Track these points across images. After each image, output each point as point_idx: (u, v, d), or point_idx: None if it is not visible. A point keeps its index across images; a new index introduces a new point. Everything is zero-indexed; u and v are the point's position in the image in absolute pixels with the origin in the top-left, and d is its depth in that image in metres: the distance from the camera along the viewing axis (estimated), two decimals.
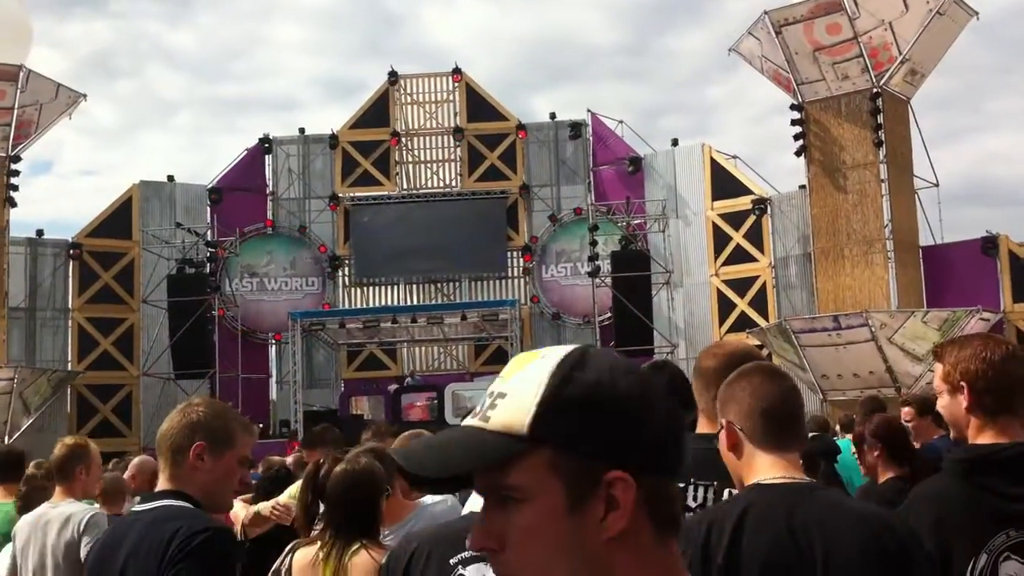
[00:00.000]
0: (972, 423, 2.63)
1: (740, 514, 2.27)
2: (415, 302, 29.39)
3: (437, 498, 4.59)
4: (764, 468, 2.35)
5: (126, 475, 7.56)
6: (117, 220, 28.08)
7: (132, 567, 2.74)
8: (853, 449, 5.92)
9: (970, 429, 2.64)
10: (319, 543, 3.68)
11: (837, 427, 10.86)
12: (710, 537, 2.25)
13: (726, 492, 2.79)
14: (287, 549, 3.82)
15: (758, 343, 21.62)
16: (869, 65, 22.67)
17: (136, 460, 8.16)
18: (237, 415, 3.08)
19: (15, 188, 24.67)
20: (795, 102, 23.74)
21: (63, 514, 4.99)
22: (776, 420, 2.37)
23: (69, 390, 26.37)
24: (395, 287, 30.12)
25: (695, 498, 2.85)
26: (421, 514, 4.27)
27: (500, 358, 27.13)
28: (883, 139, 22.73)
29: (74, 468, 5.18)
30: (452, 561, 2.26)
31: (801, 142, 23.70)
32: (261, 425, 26.26)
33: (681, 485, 2.86)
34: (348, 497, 3.72)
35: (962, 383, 2.62)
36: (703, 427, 2.96)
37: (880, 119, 22.69)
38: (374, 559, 3.49)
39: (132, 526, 2.90)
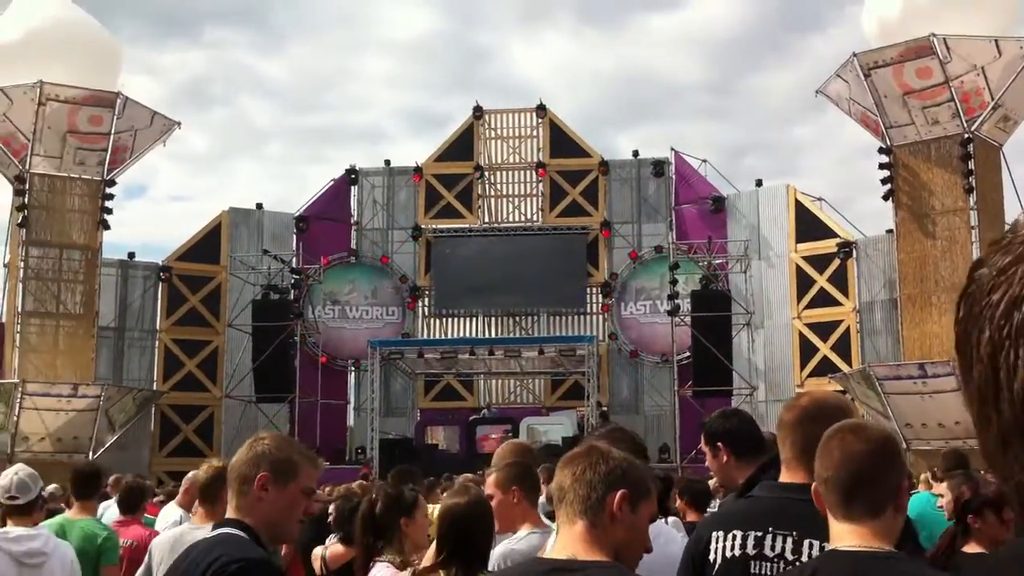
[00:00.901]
0: None
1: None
2: (493, 335, 29.50)
3: (522, 533, 4.59)
4: (839, 535, 2.31)
5: (180, 490, 7.66)
6: (206, 245, 28.75)
7: None
8: (940, 503, 5.78)
9: None
10: (442, 572, 3.73)
11: (925, 476, 10.50)
12: None
13: (806, 543, 2.79)
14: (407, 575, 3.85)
15: (841, 389, 21.26)
16: (960, 110, 22.28)
17: (190, 474, 8.11)
18: (302, 447, 3.14)
19: (109, 211, 25.34)
20: (883, 145, 23.38)
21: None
22: (840, 489, 2.33)
23: (153, 409, 26.96)
24: (474, 319, 30.29)
25: (772, 548, 2.84)
26: (511, 551, 4.30)
27: (576, 394, 27.08)
28: (973, 185, 22.26)
29: (221, 491, 4.92)
30: None
31: (889, 186, 23.31)
32: (339, 451, 26.54)
33: (759, 533, 2.87)
34: (469, 527, 3.77)
35: None
36: (784, 476, 2.97)
37: (971, 165, 22.25)
38: None
39: (190, 552, 3.01)
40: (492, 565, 4.04)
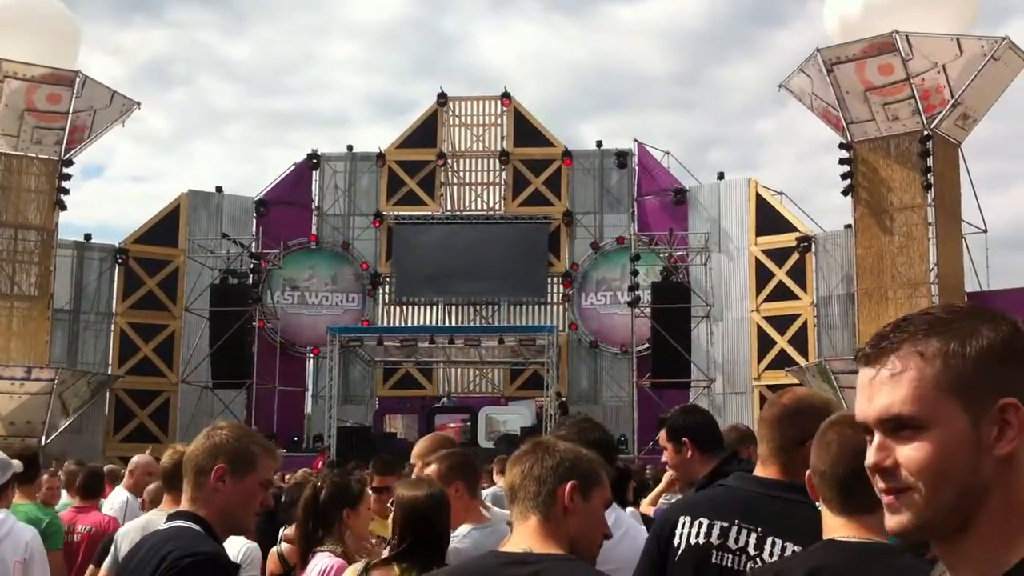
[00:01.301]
0: None
1: (812, 570, 2.21)
2: (453, 323, 29.48)
3: (463, 530, 4.56)
4: (835, 527, 2.30)
5: (126, 472, 7.58)
6: (164, 228, 28.46)
7: None
8: None
9: None
10: (394, 565, 3.67)
11: None
12: None
13: (769, 540, 2.79)
14: (359, 570, 3.79)
15: (797, 382, 21.45)
16: (920, 107, 22.51)
17: (135, 458, 8.00)
18: (260, 438, 3.09)
19: (66, 192, 25.04)
20: (844, 141, 23.60)
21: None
22: (838, 484, 2.31)
23: (108, 394, 26.68)
24: (434, 307, 30.23)
25: (736, 540, 2.84)
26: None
27: (535, 383, 27.12)
28: (932, 182, 22.53)
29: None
30: None
31: (849, 181, 23.53)
32: (296, 438, 26.41)
33: (725, 524, 2.87)
34: (433, 523, 3.73)
35: None
36: (759, 471, 2.98)
37: (929, 162, 22.51)
38: None
39: (143, 544, 2.96)
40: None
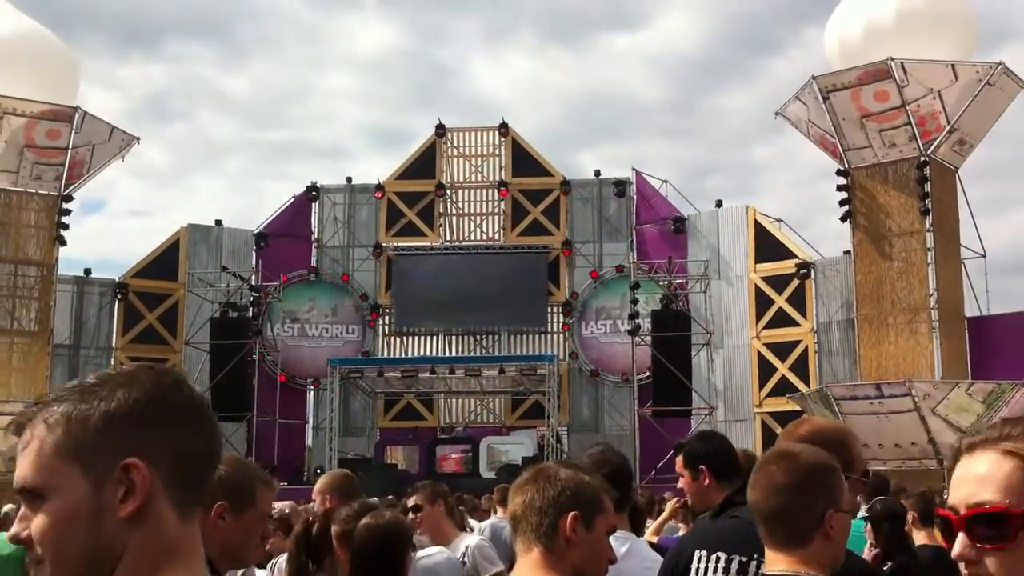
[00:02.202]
0: None
1: None
2: (454, 353, 29.44)
3: (433, 550, 4.59)
4: (771, 561, 2.33)
5: None
6: (164, 261, 28.49)
7: None
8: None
9: None
10: None
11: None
12: None
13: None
14: None
15: (798, 409, 21.39)
16: (917, 133, 22.60)
17: None
18: (258, 471, 3.07)
19: (65, 227, 25.08)
20: (841, 167, 23.67)
21: None
22: (764, 519, 2.34)
23: None
24: (434, 338, 30.20)
25: (756, 574, 2.80)
26: (416, 567, 4.26)
27: (537, 413, 27.05)
28: (930, 208, 22.58)
29: None
30: None
31: (847, 208, 23.58)
32: (299, 468, 26.28)
33: (743, 559, 2.87)
34: (377, 553, 3.69)
35: None
36: None
37: (927, 188, 22.57)
38: None
39: None
40: None
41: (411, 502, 5.47)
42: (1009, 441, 1.40)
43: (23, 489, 1.31)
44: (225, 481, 2.88)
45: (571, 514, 2.36)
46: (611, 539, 3.18)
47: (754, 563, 2.83)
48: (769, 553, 2.32)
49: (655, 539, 7.16)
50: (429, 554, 4.25)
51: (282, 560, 5.78)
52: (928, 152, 22.61)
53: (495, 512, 8.95)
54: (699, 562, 2.94)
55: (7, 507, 10.84)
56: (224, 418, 26.03)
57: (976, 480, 1.40)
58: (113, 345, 27.74)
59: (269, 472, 3.22)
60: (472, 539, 5.11)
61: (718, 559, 2.90)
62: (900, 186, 23.04)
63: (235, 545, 2.90)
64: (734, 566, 2.86)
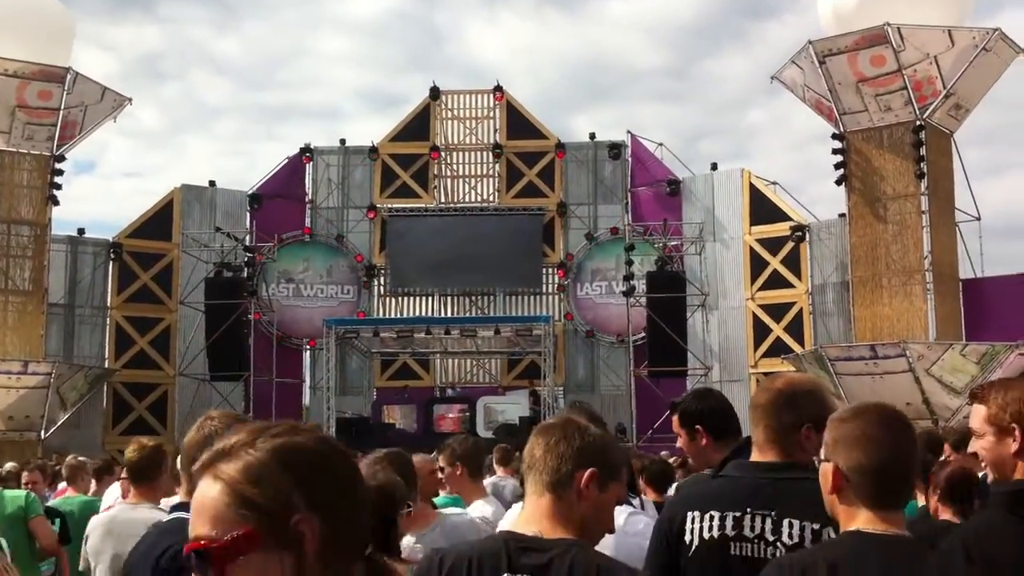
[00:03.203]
0: (1020, 466, 2.53)
1: (836, 563, 2.24)
2: (449, 314, 29.50)
3: (457, 510, 4.66)
4: (864, 520, 2.32)
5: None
6: (158, 222, 28.42)
7: (134, 574, 2.79)
8: None
9: (1018, 472, 2.54)
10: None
11: None
12: None
13: (786, 522, 2.78)
14: None
15: (793, 369, 21.52)
16: (913, 98, 22.57)
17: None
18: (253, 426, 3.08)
19: (58, 187, 25.04)
20: (837, 131, 23.66)
21: (147, 518, 4.76)
22: (886, 481, 2.34)
23: (105, 387, 26.69)
24: (430, 298, 30.24)
25: (752, 528, 2.82)
26: (444, 523, 4.34)
27: (533, 373, 27.17)
28: (925, 171, 22.61)
29: (157, 471, 5.10)
30: None
31: (842, 171, 23.60)
32: None
33: (737, 514, 2.86)
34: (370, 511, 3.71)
35: (1013, 425, 2.52)
36: (756, 456, 2.97)
37: (922, 151, 22.58)
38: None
39: (148, 536, 2.95)
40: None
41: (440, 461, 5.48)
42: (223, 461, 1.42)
43: None
44: (217, 436, 2.91)
45: (590, 469, 2.37)
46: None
47: (747, 516, 2.83)
48: (865, 513, 2.32)
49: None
50: (457, 512, 4.31)
51: None
52: (924, 116, 22.60)
53: (494, 472, 9.02)
54: (692, 523, 2.91)
55: (8, 465, 10.95)
56: (221, 378, 26.21)
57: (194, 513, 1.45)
58: (108, 304, 27.74)
59: None
60: (486, 509, 5.09)
61: (711, 517, 2.87)
62: (895, 150, 23.05)
63: None
64: (728, 522, 2.84)
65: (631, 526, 3.42)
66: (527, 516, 2.41)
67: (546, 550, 2.30)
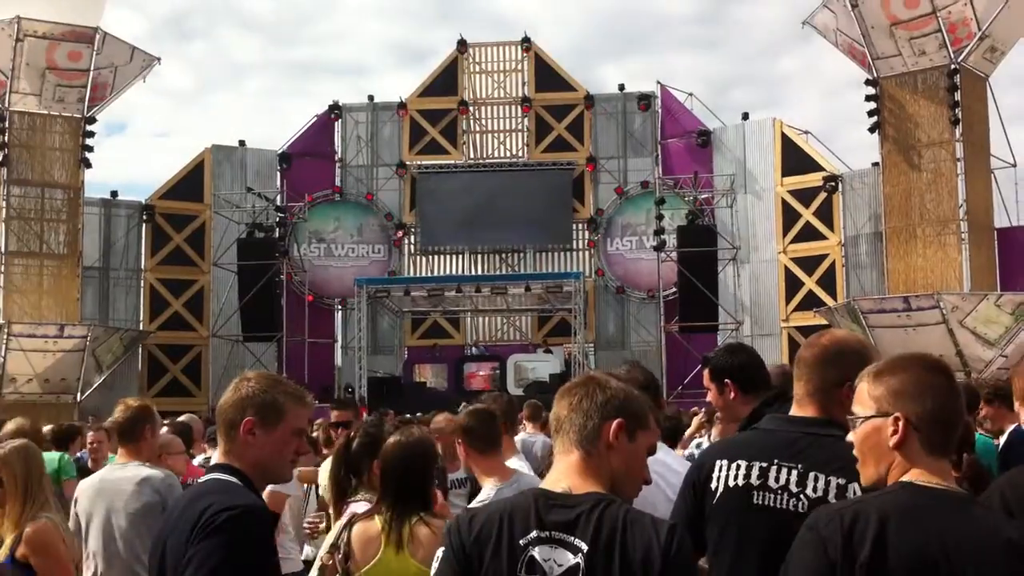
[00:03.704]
0: None
1: (888, 514, 2.22)
2: (479, 272, 29.48)
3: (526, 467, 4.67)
4: (920, 472, 2.30)
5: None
6: (189, 183, 28.55)
7: (171, 539, 2.79)
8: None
9: None
10: (376, 517, 3.73)
11: None
12: (854, 530, 2.20)
13: (811, 475, 2.81)
14: (343, 523, 3.85)
15: (825, 323, 21.37)
16: (947, 41, 22.14)
17: (182, 418, 8.37)
18: (289, 386, 3.04)
19: (90, 149, 25.16)
20: (870, 77, 23.27)
21: (136, 476, 4.96)
22: (949, 427, 2.34)
23: (140, 349, 26.97)
24: (460, 256, 30.23)
25: (777, 479, 2.86)
26: (520, 480, 4.38)
27: (563, 330, 27.17)
28: (959, 117, 22.21)
29: (142, 430, 5.16)
30: (522, 542, 2.30)
31: (875, 118, 23.23)
32: (328, 387, 26.63)
33: (764, 464, 2.89)
34: (405, 469, 3.76)
35: None
36: (795, 411, 3.00)
37: (957, 96, 22.18)
38: (435, 531, 3.57)
39: (182, 498, 2.97)
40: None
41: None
42: None
43: None
44: (254, 397, 2.92)
45: (616, 420, 2.38)
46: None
47: (774, 468, 2.87)
48: (926, 460, 2.31)
49: (682, 453, 7.24)
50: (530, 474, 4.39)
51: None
52: (958, 60, 22.18)
53: (524, 428, 9.04)
54: (720, 471, 2.96)
55: (47, 427, 11.05)
56: (254, 338, 26.42)
57: None
58: (142, 267, 27.97)
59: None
60: (519, 465, 5.10)
61: (738, 466, 2.92)
62: (930, 95, 22.65)
63: (267, 461, 2.92)
64: (754, 471, 2.89)
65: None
66: (557, 474, 2.43)
67: (575, 505, 2.31)
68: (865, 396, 2.40)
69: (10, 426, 6.46)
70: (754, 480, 2.89)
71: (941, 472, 2.30)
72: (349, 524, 3.77)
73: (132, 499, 4.88)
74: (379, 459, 3.85)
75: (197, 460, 7.44)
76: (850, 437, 2.44)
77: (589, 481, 2.36)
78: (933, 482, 2.27)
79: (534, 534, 2.30)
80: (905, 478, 2.30)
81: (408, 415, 11.81)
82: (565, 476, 2.39)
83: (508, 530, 2.33)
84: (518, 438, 8.85)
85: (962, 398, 2.42)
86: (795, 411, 3.00)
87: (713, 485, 2.97)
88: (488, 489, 4.31)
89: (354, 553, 3.66)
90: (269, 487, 3.85)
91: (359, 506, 4.18)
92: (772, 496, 2.85)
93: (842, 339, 3.07)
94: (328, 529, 4.61)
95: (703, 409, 11.15)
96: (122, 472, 5.02)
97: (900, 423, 2.32)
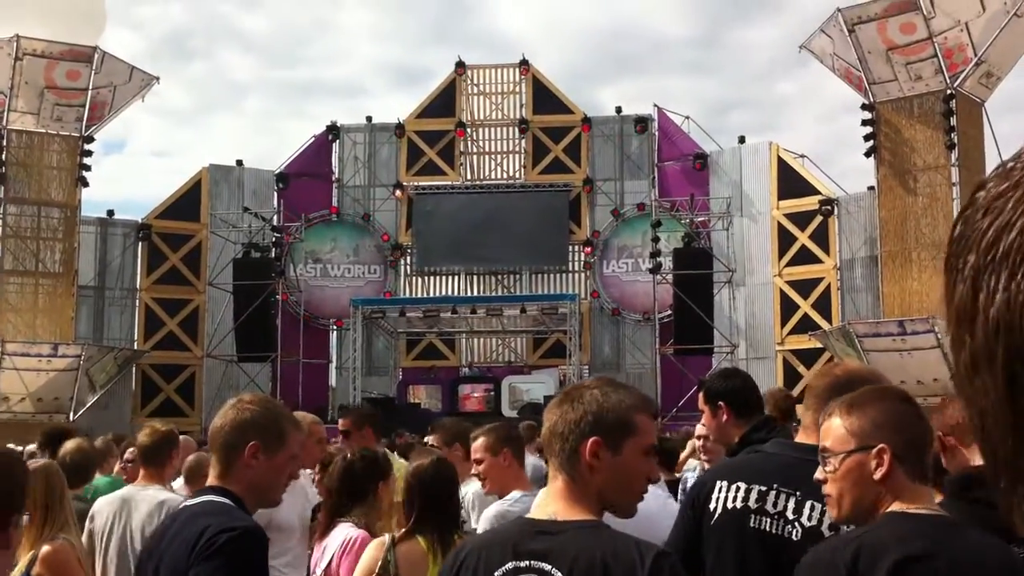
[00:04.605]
0: None
1: (890, 543, 2.19)
2: (475, 293, 29.47)
3: (515, 495, 4.65)
4: (908, 500, 2.28)
5: None
6: (186, 203, 28.53)
7: (166, 560, 2.79)
8: None
9: None
10: (419, 537, 3.77)
11: None
12: (858, 562, 2.17)
13: (808, 504, 2.82)
14: (386, 543, 3.84)
15: (820, 346, 21.37)
16: (943, 66, 22.24)
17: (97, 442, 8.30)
18: (287, 412, 3.09)
19: (87, 168, 25.17)
20: (866, 102, 23.36)
21: (155, 498, 5.05)
22: (925, 454, 2.36)
23: (134, 369, 26.88)
24: (456, 277, 30.24)
25: (775, 504, 2.87)
26: (487, 514, 4.42)
27: (558, 352, 27.13)
28: (955, 142, 22.28)
29: (168, 454, 5.27)
30: (497, 573, 2.22)
31: (871, 143, 23.31)
32: (322, 408, 26.51)
33: (763, 488, 2.90)
34: (442, 489, 3.85)
35: None
36: (801, 438, 3.04)
37: (953, 121, 22.25)
38: None
39: (176, 519, 2.96)
40: (486, 525, 4.08)
41: (429, 441, 5.52)
42: None
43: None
44: (258, 422, 2.92)
45: (591, 439, 2.24)
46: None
47: (772, 492, 2.88)
48: (916, 488, 2.31)
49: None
50: (513, 499, 4.35)
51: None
52: (954, 85, 22.27)
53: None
54: (719, 492, 2.99)
55: (30, 447, 11.00)
56: (248, 358, 26.34)
57: None
58: (137, 286, 27.91)
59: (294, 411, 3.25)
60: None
61: (737, 488, 2.94)
62: (926, 120, 22.73)
63: (263, 485, 2.93)
64: (752, 495, 2.91)
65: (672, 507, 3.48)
66: (545, 500, 2.35)
67: (557, 532, 2.22)
68: (841, 431, 2.36)
69: (70, 444, 6.42)
70: (752, 503, 2.90)
71: (925, 498, 2.30)
72: (393, 546, 3.78)
73: (148, 521, 4.95)
74: (413, 480, 3.87)
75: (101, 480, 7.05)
76: (819, 474, 2.40)
77: (575, 507, 2.25)
78: (923, 508, 2.26)
79: (510, 564, 2.21)
80: (892, 508, 2.28)
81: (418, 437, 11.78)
82: (552, 502, 2.30)
83: (486, 561, 2.25)
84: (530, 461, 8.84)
85: (930, 424, 2.46)
86: (801, 437, 3.03)
87: (712, 506, 2.99)
88: (516, 493, 4.40)
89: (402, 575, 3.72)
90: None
91: (347, 527, 4.15)
92: (768, 521, 2.86)
93: (855, 371, 3.09)
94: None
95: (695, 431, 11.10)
96: (143, 493, 5.12)
97: (885, 455, 2.28)
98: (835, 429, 2.37)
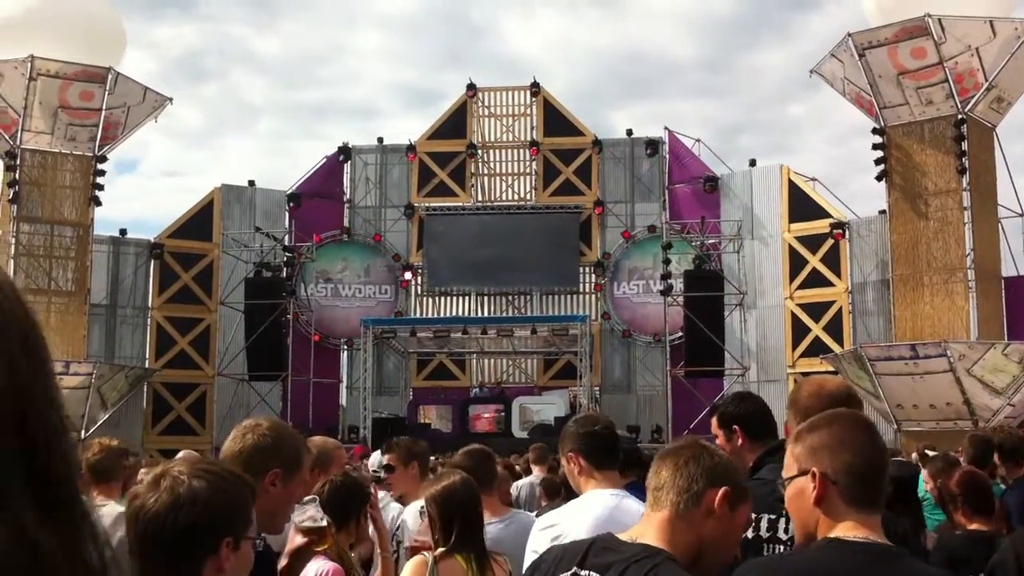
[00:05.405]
0: None
1: (811, 572, 2.18)
2: (486, 314, 29.50)
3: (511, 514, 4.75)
4: (847, 527, 2.23)
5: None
6: (198, 222, 28.67)
7: None
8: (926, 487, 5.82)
9: None
10: (457, 556, 3.82)
11: (913, 456, 10.62)
12: None
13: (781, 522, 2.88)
14: (428, 562, 3.85)
15: (832, 369, 21.31)
16: (954, 91, 22.25)
17: (182, 454, 8.27)
18: (301, 436, 3.07)
19: (100, 187, 25.30)
20: (877, 126, 23.38)
21: (111, 514, 4.79)
22: (870, 480, 2.28)
23: (146, 387, 26.95)
24: (467, 298, 30.28)
25: (786, 531, 2.91)
26: (516, 517, 4.57)
27: (569, 373, 27.12)
28: (966, 166, 22.26)
29: (117, 469, 5.20)
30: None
31: (882, 166, 23.31)
32: (333, 427, 26.52)
33: (773, 516, 2.93)
34: (473, 509, 3.92)
35: None
36: None
37: (964, 146, 22.24)
38: (503, 567, 3.84)
39: None
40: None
41: (385, 460, 5.50)
42: None
43: None
44: (280, 449, 2.86)
45: (723, 488, 2.33)
46: (606, 495, 3.22)
47: (783, 519, 2.89)
48: (852, 515, 2.24)
49: None
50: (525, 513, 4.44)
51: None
52: (965, 110, 22.27)
53: (531, 469, 8.98)
54: None
55: None
56: (259, 377, 26.37)
57: None
58: (149, 305, 28.02)
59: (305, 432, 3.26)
60: None
61: (750, 519, 2.88)
62: (936, 144, 22.73)
63: (278, 511, 2.88)
64: (763, 523, 2.92)
65: (625, 507, 3.43)
66: (640, 526, 2.41)
67: (624, 552, 2.30)
68: (789, 457, 2.36)
69: (146, 476, 6.38)
70: (763, 532, 2.91)
71: (868, 526, 2.22)
72: (435, 564, 3.83)
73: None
74: (447, 501, 3.89)
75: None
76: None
77: (664, 538, 2.31)
78: (860, 536, 2.20)
79: (572, 570, 2.34)
80: (832, 534, 2.23)
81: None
82: (644, 529, 2.37)
83: (555, 565, 2.40)
84: (525, 481, 8.82)
85: (885, 453, 2.36)
86: None
87: None
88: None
89: None
90: None
91: (320, 561, 3.89)
92: (782, 548, 2.88)
93: (834, 390, 3.13)
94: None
95: None
96: (101, 511, 4.95)
97: (817, 479, 2.26)
98: (787, 455, 2.38)
